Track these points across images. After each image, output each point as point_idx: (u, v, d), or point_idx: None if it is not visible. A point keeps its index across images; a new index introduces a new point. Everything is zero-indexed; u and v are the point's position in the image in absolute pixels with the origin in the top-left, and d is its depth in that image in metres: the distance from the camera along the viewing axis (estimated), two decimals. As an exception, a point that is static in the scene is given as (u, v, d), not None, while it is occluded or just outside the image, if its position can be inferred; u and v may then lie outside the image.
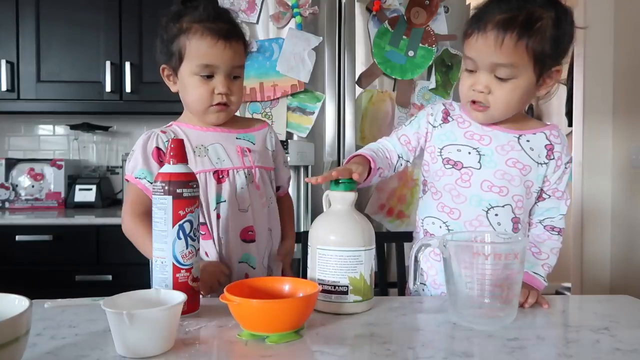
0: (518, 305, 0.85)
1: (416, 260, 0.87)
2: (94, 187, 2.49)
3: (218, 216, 1.08)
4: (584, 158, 2.61)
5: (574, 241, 2.65)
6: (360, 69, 1.93)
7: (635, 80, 2.40)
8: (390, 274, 1.57)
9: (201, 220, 1.06)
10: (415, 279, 0.88)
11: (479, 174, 1.04)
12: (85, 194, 2.48)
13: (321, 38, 1.89)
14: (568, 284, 3.00)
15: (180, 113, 1.17)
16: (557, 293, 3.44)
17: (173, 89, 1.12)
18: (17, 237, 2.08)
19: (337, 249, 0.87)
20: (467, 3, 2.04)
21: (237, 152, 1.12)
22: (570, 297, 1.20)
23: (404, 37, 1.93)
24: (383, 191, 1.95)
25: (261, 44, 1.87)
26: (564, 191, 1.08)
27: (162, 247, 0.83)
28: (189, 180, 0.84)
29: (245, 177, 1.10)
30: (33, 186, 2.49)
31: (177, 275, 0.83)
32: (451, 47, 1.98)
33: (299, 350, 0.72)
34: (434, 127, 1.11)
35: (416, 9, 1.94)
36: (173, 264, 0.83)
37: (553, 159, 1.06)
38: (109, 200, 2.59)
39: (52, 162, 2.52)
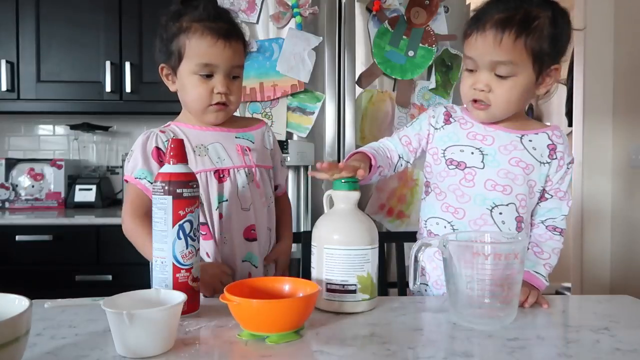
0: (518, 305, 0.85)
1: (416, 260, 0.87)
2: (94, 187, 2.49)
3: (220, 216, 1.08)
4: (584, 158, 2.61)
5: (574, 241, 2.65)
6: (360, 69, 1.93)
7: (635, 80, 2.40)
8: (390, 274, 1.57)
9: (202, 220, 1.06)
10: (415, 279, 0.88)
11: (483, 173, 1.05)
12: (85, 194, 2.48)
13: (321, 38, 1.89)
14: (568, 284, 3.00)
15: (180, 113, 1.16)
16: (557, 293, 3.44)
17: (172, 88, 1.12)
18: (17, 237, 2.08)
19: (345, 247, 0.87)
20: (467, 3, 2.04)
21: (237, 151, 1.11)
22: (570, 297, 1.20)
23: (404, 37, 1.93)
24: (383, 191, 1.95)
25: (261, 44, 1.87)
26: (565, 192, 1.09)
27: (162, 247, 0.83)
28: (189, 180, 0.84)
29: (246, 175, 1.10)
30: (33, 186, 2.49)
31: (177, 275, 0.83)
32: (451, 47, 1.98)
33: (299, 350, 0.72)
34: (436, 129, 1.12)
35: (416, 9, 1.94)
36: (173, 264, 0.83)
37: (555, 158, 1.06)
38: (109, 200, 2.59)
39: (52, 162, 2.52)
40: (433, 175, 1.12)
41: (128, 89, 2.37)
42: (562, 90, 2.92)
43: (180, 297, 0.73)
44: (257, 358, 0.68)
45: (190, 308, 0.84)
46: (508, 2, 0.98)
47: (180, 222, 0.83)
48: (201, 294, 1.00)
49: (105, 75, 2.36)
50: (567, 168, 1.08)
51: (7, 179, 2.47)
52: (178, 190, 0.82)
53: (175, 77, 1.10)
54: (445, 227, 1.08)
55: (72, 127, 2.64)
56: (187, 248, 0.84)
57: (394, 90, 1.95)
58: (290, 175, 1.89)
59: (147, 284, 0.94)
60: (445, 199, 1.08)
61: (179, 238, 0.83)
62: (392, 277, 1.40)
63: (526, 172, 1.05)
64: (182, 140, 0.87)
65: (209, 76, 1.06)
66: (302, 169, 1.91)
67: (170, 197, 0.82)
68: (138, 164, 1.06)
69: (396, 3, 1.93)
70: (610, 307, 0.96)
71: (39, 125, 2.74)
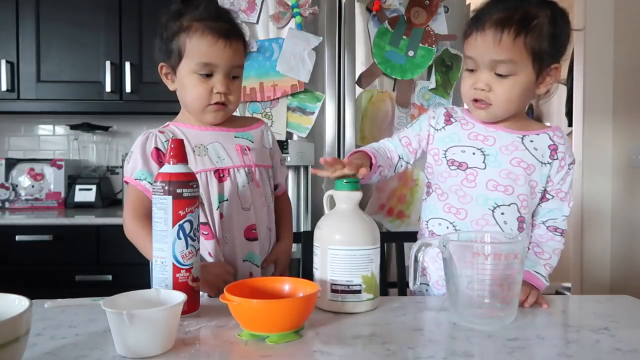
0: (518, 304, 0.85)
1: (416, 260, 0.87)
2: (94, 187, 2.49)
3: (221, 215, 1.08)
4: (584, 158, 2.61)
5: (574, 241, 2.65)
6: (360, 69, 1.93)
7: (635, 80, 2.40)
8: (390, 274, 1.57)
9: (203, 220, 1.06)
10: (415, 279, 0.88)
11: (484, 173, 1.05)
12: (85, 194, 2.48)
13: (321, 38, 1.89)
14: (568, 284, 3.00)
15: (178, 113, 1.16)
16: (557, 293, 3.44)
17: (171, 87, 1.12)
18: (17, 237, 2.08)
19: (350, 248, 0.88)
20: (467, 3, 2.04)
21: (237, 150, 1.11)
22: (570, 297, 1.21)
23: (404, 37, 1.93)
24: (383, 191, 1.95)
25: (261, 44, 1.87)
26: (567, 192, 1.09)
27: (162, 247, 0.83)
28: (189, 180, 0.84)
29: (246, 175, 1.10)
30: (33, 186, 2.49)
31: (177, 275, 0.83)
32: (451, 47, 1.98)
33: (299, 350, 0.72)
34: (436, 130, 1.12)
35: (416, 9, 1.94)
36: (173, 264, 0.83)
37: (557, 159, 1.07)
38: (109, 200, 2.59)
39: (52, 162, 2.52)
40: (434, 176, 1.13)
41: (128, 89, 2.37)
42: (562, 90, 2.92)
43: (180, 297, 0.73)
44: (257, 358, 0.68)
45: (190, 308, 0.84)
46: (507, 2, 0.99)
47: (180, 222, 0.83)
48: (204, 294, 1.01)
49: (105, 75, 2.36)
50: (569, 169, 1.08)
51: (7, 179, 2.47)
52: (178, 190, 0.82)
53: (174, 76, 1.09)
54: (447, 227, 1.08)
55: (72, 127, 2.64)
56: (187, 248, 0.84)
57: (394, 90, 1.95)
58: (290, 175, 1.89)
59: (147, 284, 0.94)
60: (447, 200, 1.09)
61: (179, 238, 0.83)
62: (392, 277, 1.40)
63: (527, 173, 1.05)
64: (182, 140, 0.87)
65: (209, 75, 1.05)
66: (302, 169, 1.91)
67: (170, 197, 0.82)
68: (138, 165, 1.05)
69: (396, 3, 1.93)
70: (610, 307, 0.96)
71: (39, 125, 2.74)
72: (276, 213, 1.21)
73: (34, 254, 2.10)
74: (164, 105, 2.09)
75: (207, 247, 1.07)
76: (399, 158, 1.13)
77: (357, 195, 0.92)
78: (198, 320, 0.82)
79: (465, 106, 1.12)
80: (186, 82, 1.07)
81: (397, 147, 1.14)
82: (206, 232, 1.07)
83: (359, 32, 1.92)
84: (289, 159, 1.84)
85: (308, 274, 1.17)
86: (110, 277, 2.10)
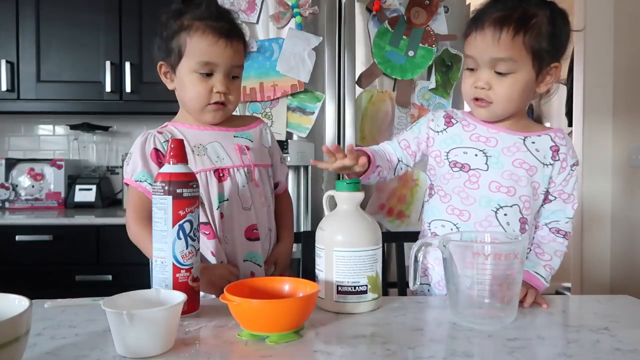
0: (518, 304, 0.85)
1: (416, 261, 0.87)
2: (94, 187, 2.49)
3: (222, 215, 1.08)
4: (584, 158, 2.61)
5: (574, 241, 2.64)
6: (360, 69, 1.93)
7: (635, 80, 2.40)
8: (390, 274, 1.57)
9: (204, 220, 1.05)
10: (415, 279, 0.88)
11: (487, 175, 1.05)
12: (85, 194, 2.48)
13: (321, 38, 1.89)
14: (568, 284, 3.00)
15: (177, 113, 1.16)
16: (557, 293, 3.44)
17: (170, 86, 1.12)
18: (17, 237, 2.08)
19: (356, 249, 0.88)
20: (467, 3, 2.04)
21: (236, 150, 1.11)
22: (570, 297, 1.20)
23: (404, 37, 1.93)
24: (383, 191, 1.95)
25: (261, 44, 1.87)
26: (570, 194, 1.08)
27: (162, 247, 0.83)
28: (189, 180, 0.84)
29: (245, 175, 1.10)
30: (33, 186, 2.49)
31: (177, 275, 0.83)
32: (451, 47, 1.98)
33: (299, 350, 0.72)
34: (437, 132, 1.12)
35: (416, 9, 1.94)
36: (173, 264, 0.83)
37: (558, 160, 1.06)
38: (109, 200, 2.59)
39: (52, 162, 2.52)
40: (437, 178, 1.13)
41: (128, 89, 2.37)
42: (562, 91, 2.92)
43: (180, 297, 0.73)
44: (257, 358, 0.68)
45: (190, 308, 0.84)
46: (506, 1, 1.00)
47: (180, 222, 0.83)
48: (206, 294, 1.00)
49: (105, 75, 2.36)
50: (571, 170, 1.07)
51: (7, 179, 2.47)
52: (178, 190, 0.82)
53: (174, 75, 1.09)
54: (451, 229, 1.08)
55: (72, 127, 2.64)
56: (187, 248, 0.84)
57: (394, 90, 1.95)
58: (290, 175, 1.89)
59: (147, 284, 0.94)
60: (450, 202, 1.09)
61: (179, 238, 0.83)
62: (392, 277, 1.40)
63: (529, 174, 1.05)
64: (182, 140, 0.87)
65: (209, 75, 1.05)
66: (302, 169, 1.91)
67: (170, 197, 0.82)
68: (137, 167, 1.05)
69: (396, 3, 1.93)
70: (610, 307, 0.96)
71: (39, 125, 2.74)
72: (277, 212, 1.21)
73: (34, 254, 2.10)
74: (164, 105, 2.08)
75: (209, 247, 1.07)
76: (399, 161, 1.14)
77: (360, 195, 0.92)
78: (198, 320, 0.82)
79: (466, 108, 1.12)
80: (186, 81, 1.06)
81: (396, 150, 1.14)
82: (208, 232, 1.06)
83: (359, 32, 1.92)
84: (289, 159, 1.84)
85: (308, 274, 1.17)
86: (110, 277, 2.10)
